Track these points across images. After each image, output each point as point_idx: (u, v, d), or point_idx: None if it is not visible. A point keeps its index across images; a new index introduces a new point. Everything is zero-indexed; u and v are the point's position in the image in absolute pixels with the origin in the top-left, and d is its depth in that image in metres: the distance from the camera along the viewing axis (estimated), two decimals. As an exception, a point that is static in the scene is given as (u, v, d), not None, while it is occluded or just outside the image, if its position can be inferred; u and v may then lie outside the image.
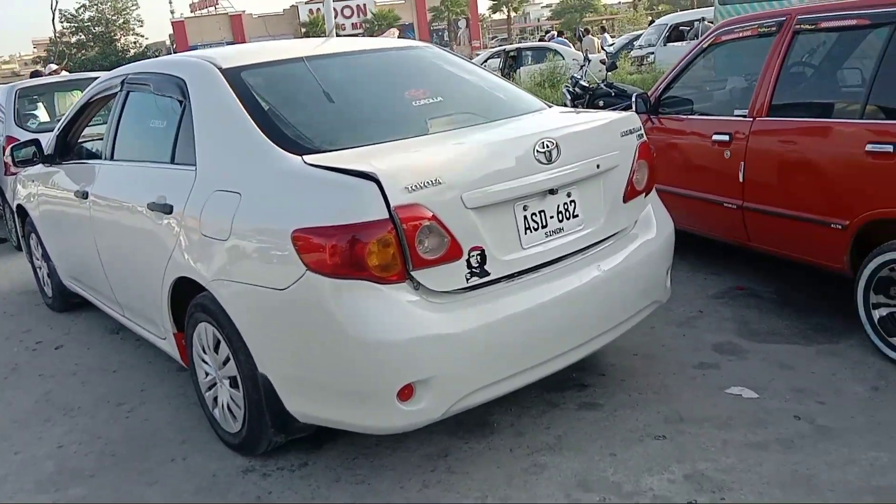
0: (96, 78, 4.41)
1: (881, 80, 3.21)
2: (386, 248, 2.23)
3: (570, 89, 8.41)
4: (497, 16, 66.58)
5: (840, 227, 3.28)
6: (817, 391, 2.96)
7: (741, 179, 3.78)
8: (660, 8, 55.28)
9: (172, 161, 3.05)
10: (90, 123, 4.34)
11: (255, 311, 2.51)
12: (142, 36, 57.05)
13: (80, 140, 4.32)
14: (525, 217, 2.55)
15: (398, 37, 20.27)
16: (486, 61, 17.34)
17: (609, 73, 9.55)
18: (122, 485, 2.76)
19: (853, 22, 3.42)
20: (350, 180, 2.27)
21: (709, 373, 3.19)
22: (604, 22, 41.88)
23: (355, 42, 3.68)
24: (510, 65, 17.23)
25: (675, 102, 4.44)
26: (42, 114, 7.35)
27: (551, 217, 2.63)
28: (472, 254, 2.38)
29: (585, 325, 2.69)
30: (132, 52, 51.66)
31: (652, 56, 16.48)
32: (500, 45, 27.80)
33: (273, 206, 2.47)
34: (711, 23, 12.24)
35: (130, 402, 3.42)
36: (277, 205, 2.45)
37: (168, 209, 2.90)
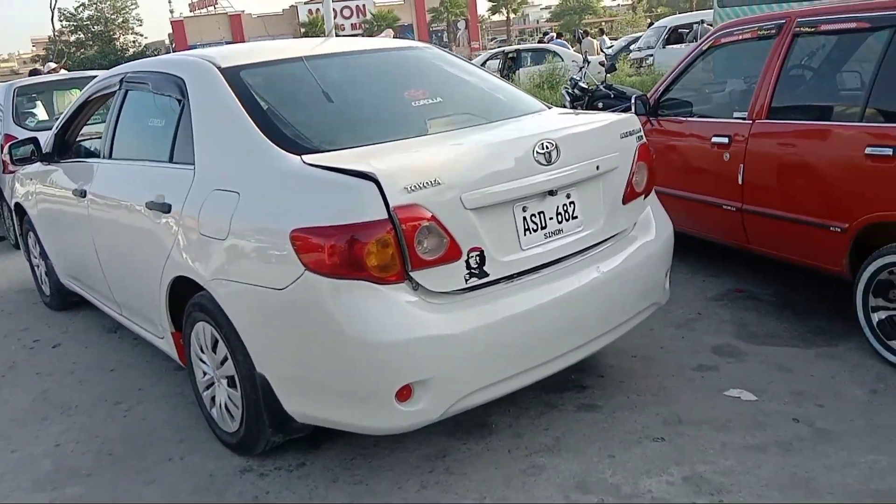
0: (95, 77, 4.41)
1: (881, 83, 3.21)
2: (385, 248, 2.23)
3: (570, 91, 8.40)
4: (496, 17, 66.73)
5: (839, 230, 3.28)
6: (816, 394, 2.96)
7: (740, 182, 3.78)
8: (658, 10, 55.36)
9: (171, 160, 3.04)
10: (89, 122, 4.33)
11: (254, 310, 2.50)
12: (141, 35, 57.17)
13: (78, 139, 4.31)
14: (524, 218, 2.55)
15: (393, 37, 20.25)
16: (485, 63, 17.34)
17: (608, 75, 9.55)
18: (120, 484, 2.75)
19: (853, 25, 3.42)
20: (349, 180, 2.26)
21: (707, 375, 3.19)
22: (603, 24, 41.86)
23: (355, 42, 3.68)
24: (509, 66, 17.23)
25: (675, 104, 4.44)
26: (40, 112, 7.35)
27: (550, 218, 2.62)
28: (471, 254, 2.38)
29: (584, 327, 2.69)
30: (131, 51, 51.65)
31: (651, 58, 16.50)
32: (499, 47, 27.79)
33: (272, 205, 2.46)
34: (711, 25, 12.27)
35: (128, 401, 3.41)
36: (276, 204, 2.45)
37: (166, 208, 2.89)
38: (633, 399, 3.02)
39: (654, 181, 3.06)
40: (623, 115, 3.05)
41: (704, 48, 4.34)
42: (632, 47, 18.86)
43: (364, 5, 51.06)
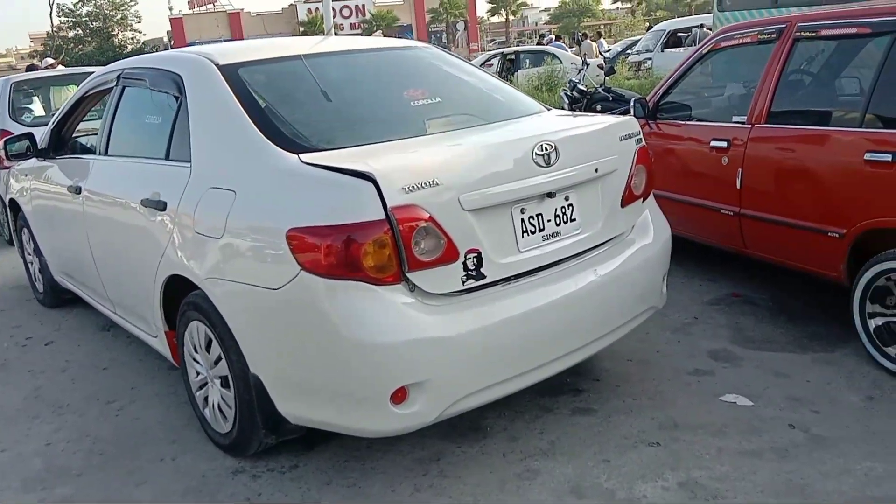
0: (92, 73, 4.38)
1: (881, 88, 3.21)
2: (382, 248, 2.21)
3: (568, 93, 8.40)
4: (495, 19, 66.77)
5: (837, 235, 3.28)
6: (812, 400, 2.95)
7: (738, 186, 3.77)
8: (657, 14, 55.45)
9: (167, 157, 3.02)
10: (85, 118, 4.30)
11: (248, 310, 2.48)
12: (139, 32, 57.07)
13: (74, 135, 4.29)
14: (522, 220, 2.53)
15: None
16: (483, 64, 17.34)
17: (607, 78, 9.55)
18: (111, 484, 2.72)
19: (854, 30, 3.41)
20: (346, 180, 2.25)
21: (703, 379, 3.18)
22: (601, 27, 41.92)
23: (354, 41, 3.67)
24: (507, 68, 17.24)
25: (674, 108, 4.43)
26: (37, 108, 7.32)
27: (549, 220, 2.61)
28: (468, 256, 2.36)
29: (581, 330, 2.67)
30: (129, 47, 51.50)
31: (649, 62, 16.52)
32: (497, 48, 27.81)
33: (268, 204, 2.44)
34: (710, 29, 12.26)
35: (120, 400, 3.39)
36: (272, 203, 2.43)
37: (162, 206, 2.87)
38: (628, 403, 3.01)
39: (652, 184, 3.05)
40: (622, 118, 3.04)
41: (704, 51, 4.33)
42: (630, 51, 18.88)
43: (363, 5, 51.05)
